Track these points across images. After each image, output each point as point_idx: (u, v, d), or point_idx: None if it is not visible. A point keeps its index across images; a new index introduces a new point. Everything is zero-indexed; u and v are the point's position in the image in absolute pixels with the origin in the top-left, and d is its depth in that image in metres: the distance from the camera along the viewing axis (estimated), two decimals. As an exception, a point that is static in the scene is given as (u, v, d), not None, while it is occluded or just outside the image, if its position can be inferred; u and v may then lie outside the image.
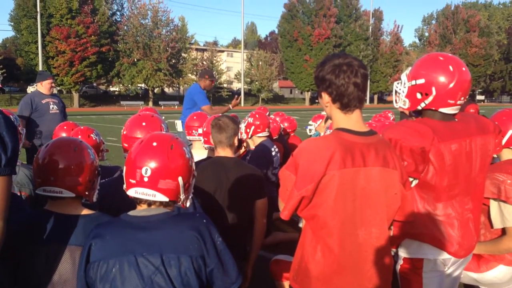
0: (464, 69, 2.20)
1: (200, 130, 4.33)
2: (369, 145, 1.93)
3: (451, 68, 2.16)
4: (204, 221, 1.86)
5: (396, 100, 2.37)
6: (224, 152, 3.30)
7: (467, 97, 6.56)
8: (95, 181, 2.16)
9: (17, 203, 2.31)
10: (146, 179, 1.78)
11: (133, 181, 1.81)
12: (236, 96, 7.34)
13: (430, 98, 2.19)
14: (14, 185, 2.77)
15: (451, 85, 2.16)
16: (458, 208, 2.25)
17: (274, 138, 6.02)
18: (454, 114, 2.28)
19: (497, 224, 2.60)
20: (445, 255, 2.26)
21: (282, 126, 6.48)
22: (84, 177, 2.06)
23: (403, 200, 2.03)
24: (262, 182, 3.37)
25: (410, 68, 2.34)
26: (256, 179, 3.31)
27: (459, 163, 2.20)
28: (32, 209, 2.30)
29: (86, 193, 2.10)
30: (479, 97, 71.75)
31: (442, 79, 2.16)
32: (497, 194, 2.54)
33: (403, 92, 2.30)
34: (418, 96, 2.23)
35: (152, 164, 1.79)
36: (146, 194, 1.80)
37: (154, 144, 1.83)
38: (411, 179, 2.17)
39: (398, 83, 2.35)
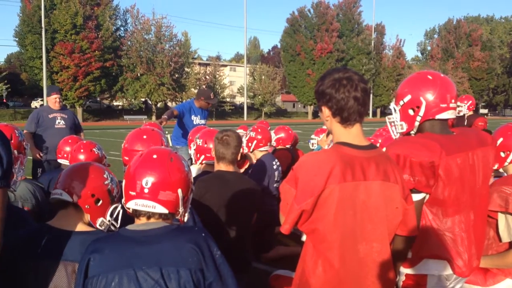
0: (442, 75, 2.30)
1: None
2: (370, 159, 1.93)
3: (429, 76, 2.26)
4: (203, 234, 1.85)
5: (393, 132, 2.41)
6: (227, 167, 3.31)
7: (472, 108, 6.44)
8: (101, 201, 2.11)
9: (23, 217, 2.32)
10: (146, 191, 1.80)
11: (133, 193, 1.82)
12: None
13: (423, 109, 2.23)
14: (17, 199, 2.78)
15: (436, 89, 2.22)
16: (464, 224, 2.24)
17: (287, 147, 6.27)
18: (451, 124, 2.31)
19: (505, 238, 2.59)
20: (449, 271, 2.25)
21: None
22: (86, 187, 2.07)
23: (405, 214, 2.02)
24: (261, 197, 3.42)
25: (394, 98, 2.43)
26: (257, 194, 3.36)
27: (465, 176, 2.20)
28: (33, 222, 2.31)
29: (87, 206, 2.08)
30: (482, 111, 71.66)
31: (425, 87, 2.24)
32: (504, 207, 2.53)
33: (397, 118, 2.36)
34: (411, 112, 2.28)
35: (153, 176, 1.80)
36: (146, 206, 1.80)
37: (154, 156, 1.85)
38: (423, 195, 2.16)
39: (389, 117, 2.43)
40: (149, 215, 1.83)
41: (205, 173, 3.70)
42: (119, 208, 2.21)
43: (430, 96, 2.22)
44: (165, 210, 1.82)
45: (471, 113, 7.47)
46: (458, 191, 2.18)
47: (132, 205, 1.82)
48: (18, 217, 2.30)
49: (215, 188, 3.16)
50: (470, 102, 7.40)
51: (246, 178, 3.48)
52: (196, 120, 7.03)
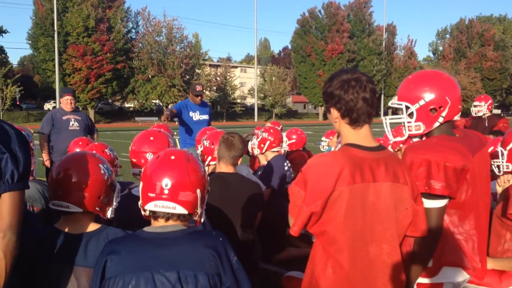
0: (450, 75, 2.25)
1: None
2: (379, 160, 1.92)
3: (445, 76, 2.21)
4: (221, 239, 1.85)
5: (405, 131, 2.27)
6: (227, 168, 3.34)
7: (491, 108, 6.33)
8: (107, 197, 2.13)
9: (29, 220, 2.31)
10: (166, 192, 1.80)
11: (152, 195, 1.81)
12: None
13: (447, 110, 2.16)
14: (26, 199, 2.79)
15: (457, 89, 2.19)
16: (477, 224, 2.21)
17: (299, 149, 6.32)
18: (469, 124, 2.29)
19: None
20: (463, 277, 2.21)
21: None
22: (92, 192, 2.04)
23: (415, 215, 2.00)
24: (263, 197, 3.43)
25: (396, 96, 2.28)
26: (259, 194, 3.37)
27: (479, 177, 2.18)
28: (43, 226, 2.30)
29: (97, 208, 2.08)
30: (495, 111, 70.90)
31: (449, 87, 2.18)
32: None
33: (408, 119, 2.23)
34: (432, 113, 2.19)
35: (172, 177, 1.80)
36: (166, 207, 1.80)
37: (172, 157, 1.85)
38: (446, 200, 2.08)
39: (394, 117, 2.30)
40: (168, 217, 1.82)
41: (212, 174, 3.71)
42: (118, 187, 2.22)
43: (453, 96, 2.16)
44: (185, 211, 1.82)
45: (489, 113, 7.26)
46: (475, 193, 2.16)
47: (151, 206, 1.81)
48: (26, 221, 2.30)
49: (215, 190, 3.17)
50: (490, 102, 7.18)
51: (248, 179, 3.49)
52: (196, 116, 6.93)
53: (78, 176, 2.04)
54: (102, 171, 2.11)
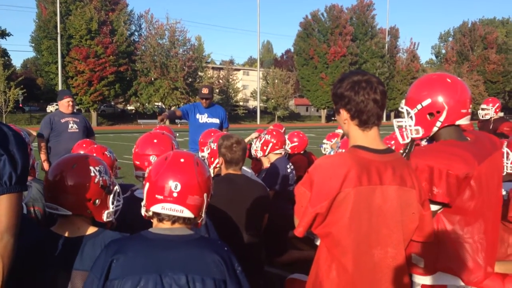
0: (459, 79, 2.22)
1: None
2: (386, 163, 1.90)
3: (449, 80, 2.18)
4: (226, 249, 1.85)
5: (406, 136, 2.29)
6: (233, 169, 3.33)
7: (498, 110, 6.38)
8: (99, 200, 2.07)
9: (24, 223, 2.29)
10: (175, 195, 1.78)
11: (160, 197, 1.79)
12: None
13: (444, 114, 2.15)
14: (27, 199, 2.76)
15: (457, 93, 2.15)
16: (483, 230, 2.18)
17: (301, 152, 6.29)
18: (463, 130, 2.25)
19: None
20: (461, 283, 2.19)
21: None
22: (80, 194, 2.01)
23: (422, 220, 1.98)
24: (269, 198, 3.43)
25: (403, 100, 2.31)
26: (265, 196, 3.37)
27: (487, 183, 2.15)
28: (38, 229, 2.25)
29: (88, 211, 2.04)
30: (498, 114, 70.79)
31: (447, 91, 2.15)
32: None
33: (410, 123, 2.25)
34: (429, 117, 2.19)
35: (182, 180, 1.79)
36: (174, 210, 1.78)
37: (182, 160, 1.84)
38: (440, 206, 2.07)
39: (398, 120, 2.32)
40: (174, 220, 1.81)
41: (217, 176, 3.70)
42: (118, 190, 2.18)
43: (452, 101, 2.14)
44: (191, 215, 1.81)
45: (496, 116, 7.26)
46: (481, 199, 2.13)
47: (158, 209, 1.80)
48: (20, 225, 2.26)
49: (222, 191, 3.15)
50: (497, 105, 7.21)
51: (254, 181, 3.50)
52: (202, 118, 6.68)
53: (66, 178, 2.01)
54: (93, 174, 2.05)
